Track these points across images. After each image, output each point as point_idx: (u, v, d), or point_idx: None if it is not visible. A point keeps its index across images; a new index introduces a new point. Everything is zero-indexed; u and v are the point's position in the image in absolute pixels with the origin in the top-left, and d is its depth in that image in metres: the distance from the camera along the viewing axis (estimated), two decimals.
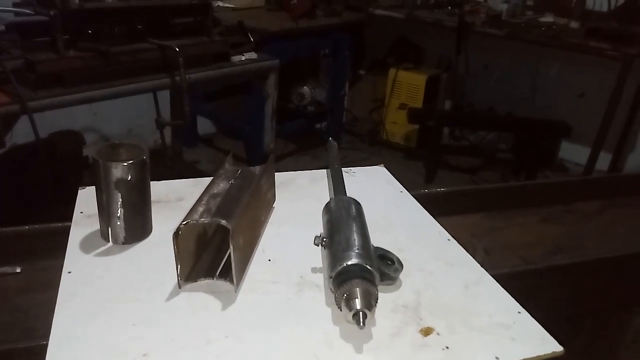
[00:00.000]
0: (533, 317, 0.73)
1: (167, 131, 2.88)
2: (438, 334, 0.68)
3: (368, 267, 0.70)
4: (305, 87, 3.48)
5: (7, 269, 0.88)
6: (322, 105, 3.59)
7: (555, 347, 0.67)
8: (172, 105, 2.75)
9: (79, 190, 0.93)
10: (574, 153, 3.49)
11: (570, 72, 3.51)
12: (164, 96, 2.79)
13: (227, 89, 3.34)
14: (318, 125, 3.75)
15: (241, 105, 3.26)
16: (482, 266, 0.83)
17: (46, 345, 0.62)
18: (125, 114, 3.08)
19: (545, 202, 1.20)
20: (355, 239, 0.75)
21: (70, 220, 0.87)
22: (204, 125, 3.67)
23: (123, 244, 0.81)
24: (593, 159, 3.17)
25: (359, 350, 0.64)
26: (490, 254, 1.02)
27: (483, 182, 3.35)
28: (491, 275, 0.81)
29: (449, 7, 3.57)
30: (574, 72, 3.48)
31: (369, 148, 3.76)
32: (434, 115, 3.51)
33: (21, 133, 1.93)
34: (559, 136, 3.33)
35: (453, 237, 0.92)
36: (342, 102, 3.70)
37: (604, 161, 3.23)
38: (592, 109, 3.31)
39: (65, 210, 0.90)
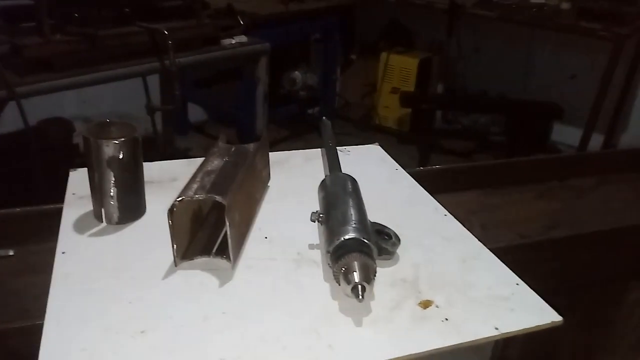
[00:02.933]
0: (534, 288, 0.73)
1: (158, 118, 2.85)
2: (437, 306, 0.68)
3: (366, 240, 0.69)
4: (296, 71, 3.45)
5: (0, 252, 0.86)
6: (314, 90, 3.57)
7: (554, 317, 0.67)
8: (162, 90, 2.72)
9: (70, 172, 0.92)
10: (566, 135, 3.50)
11: (562, 53, 3.50)
12: (154, 81, 2.76)
13: (218, 75, 3.31)
14: (310, 111, 3.73)
15: (232, 91, 3.22)
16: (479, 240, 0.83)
17: (41, 325, 0.61)
18: (115, 100, 3.04)
19: (541, 178, 1.20)
20: (352, 213, 0.74)
21: (62, 202, 0.86)
22: (195, 113, 3.64)
23: (117, 223, 0.79)
24: (585, 140, 3.18)
25: (358, 323, 0.64)
26: (487, 229, 1.02)
27: None
28: (489, 249, 0.81)
29: None
30: (566, 53, 3.48)
31: (362, 133, 3.75)
32: (427, 98, 3.51)
33: (9, 120, 1.90)
34: (551, 118, 3.33)
35: (449, 213, 0.91)
36: (334, 87, 3.69)
37: (596, 142, 3.24)
38: (584, 90, 3.32)
39: (56, 198, 0.88)
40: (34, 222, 0.89)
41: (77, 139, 2.50)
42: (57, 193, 0.88)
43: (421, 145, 3.39)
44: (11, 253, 0.87)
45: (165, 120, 3.07)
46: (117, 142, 0.74)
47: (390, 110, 3.71)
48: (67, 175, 0.91)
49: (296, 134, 3.59)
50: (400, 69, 3.62)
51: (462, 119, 3.73)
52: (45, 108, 2.53)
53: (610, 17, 2.88)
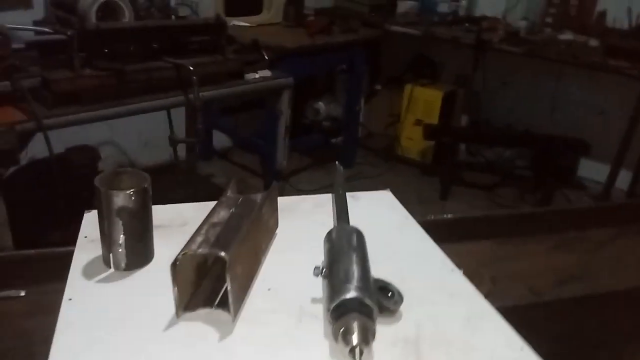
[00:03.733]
0: (538, 351, 0.71)
1: (182, 146, 2.91)
2: None
3: (366, 301, 0.69)
4: (320, 102, 3.49)
5: (11, 293, 0.89)
6: (338, 120, 3.59)
7: None
8: (187, 120, 2.78)
9: (85, 214, 0.94)
10: (593, 171, 3.44)
11: (590, 90, 3.46)
12: (180, 111, 2.82)
13: (243, 104, 3.38)
14: (333, 140, 3.75)
15: (257, 120, 3.28)
16: (487, 297, 0.82)
17: None
18: (142, 127, 3.11)
19: (557, 229, 1.18)
20: (355, 270, 0.74)
21: (75, 243, 0.88)
22: (220, 139, 3.70)
23: (124, 270, 0.81)
24: (613, 176, 3.12)
25: None
26: (497, 283, 1.01)
27: (500, 199, 3.31)
28: (496, 308, 0.80)
29: (467, 24, 3.56)
30: (594, 89, 3.43)
31: (384, 163, 3.75)
32: (450, 131, 3.49)
33: (42, 146, 1.97)
34: (577, 154, 3.28)
35: (459, 265, 0.90)
36: (357, 118, 3.70)
37: (624, 179, 3.17)
38: (612, 127, 3.26)
39: (76, 227, 0.91)
40: (46, 263, 0.92)
41: (102, 167, 2.56)
42: (77, 223, 0.91)
43: (443, 178, 3.37)
44: (22, 294, 0.89)
45: (189, 146, 3.13)
46: (127, 192, 0.76)
47: (413, 142, 3.70)
48: (91, 203, 0.93)
49: (319, 162, 3.61)
50: (424, 101, 3.62)
51: (486, 152, 3.69)
52: (73, 134, 2.61)
53: (639, 55, 2.84)
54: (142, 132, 3.21)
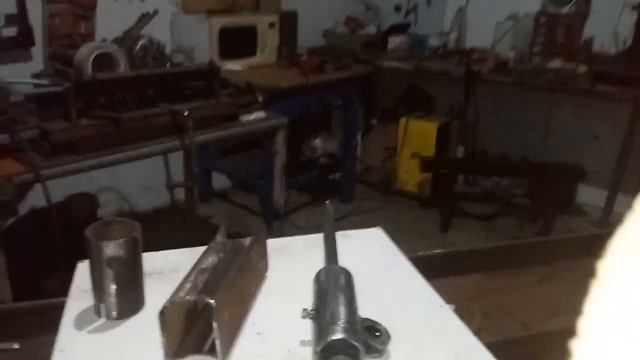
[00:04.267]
0: None
1: (181, 189, 2.94)
2: None
3: (353, 342, 0.70)
4: (316, 139, 3.54)
5: (5, 346, 0.90)
6: (334, 157, 3.63)
7: None
8: (185, 164, 2.82)
9: (78, 264, 0.96)
10: (592, 196, 3.45)
11: (582, 116, 3.50)
12: (178, 155, 2.87)
13: (241, 144, 3.42)
14: (331, 176, 3.78)
15: (254, 159, 3.32)
16: (478, 332, 0.82)
17: None
18: (141, 172, 3.15)
19: (547, 260, 1.19)
20: (341, 311, 0.75)
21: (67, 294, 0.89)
22: (219, 180, 3.73)
23: (115, 319, 0.82)
24: (611, 202, 3.13)
25: None
26: (488, 317, 1.01)
27: (500, 229, 3.31)
28: (487, 343, 0.80)
29: (457, 57, 3.63)
30: (585, 115, 3.48)
31: (383, 197, 3.77)
32: (446, 163, 3.52)
33: (39, 196, 2.00)
34: (573, 180, 3.30)
35: (449, 300, 0.91)
36: (354, 153, 3.74)
37: (623, 203, 3.18)
38: (607, 152, 3.29)
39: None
40: (40, 315, 0.93)
41: (105, 212, 2.59)
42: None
43: (442, 210, 3.38)
44: (16, 346, 0.90)
45: (188, 189, 3.16)
46: (116, 242, 0.78)
47: (410, 175, 3.73)
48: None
49: (317, 199, 3.63)
50: (419, 133, 3.66)
51: (483, 181, 3.72)
52: (72, 182, 2.65)
53: (627, 79, 2.88)
54: (141, 177, 3.24)
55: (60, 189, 2.14)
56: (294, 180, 3.13)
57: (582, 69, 3.23)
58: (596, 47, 3.45)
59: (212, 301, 0.70)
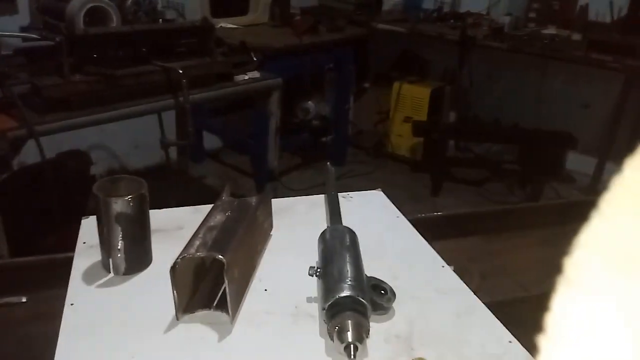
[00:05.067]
0: (526, 344, 0.74)
1: (174, 148, 2.92)
2: None
3: (360, 299, 0.71)
4: (309, 101, 3.51)
5: (12, 299, 0.90)
6: (327, 119, 3.61)
7: None
8: (178, 123, 2.79)
9: (82, 220, 0.96)
10: (581, 163, 3.49)
11: (574, 83, 3.51)
12: (170, 114, 2.83)
13: (233, 105, 3.38)
14: (323, 139, 3.77)
15: (247, 120, 3.29)
16: (477, 293, 0.85)
17: None
18: (132, 131, 3.12)
19: (544, 224, 1.21)
20: (348, 270, 0.77)
21: (74, 249, 0.90)
22: (211, 140, 3.71)
23: (124, 274, 0.83)
24: (600, 169, 3.18)
25: None
26: (487, 278, 1.04)
27: (489, 194, 3.35)
28: (485, 303, 0.83)
29: (452, 21, 3.59)
30: (578, 83, 3.48)
31: (375, 161, 3.78)
32: (439, 128, 3.53)
33: (30, 153, 1.97)
34: (564, 147, 3.33)
35: (449, 261, 0.93)
36: (346, 116, 3.73)
37: (612, 171, 3.22)
38: (598, 120, 3.32)
39: (70, 231, 0.93)
40: (46, 270, 0.93)
41: (96, 170, 2.57)
42: (74, 226, 0.93)
43: (433, 174, 3.40)
44: (24, 300, 0.91)
45: (180, 149, 3.14)
46: (125, 198, 0.78)
47: (403, 139, 3.74)
48: (84, 207, 0.95)
49: (309, 161, 3.63)
50: (412, 98, 3.65)
51: (475, 147, 3.74)
52: (63, 138, 2.62)
53: (621, 48, 2.89)
54: (132, 135, 3.21)
55: (49, 147, 2.11)
56: (285, 142, 3.12)
57: (577, 36, 3.21)
58: (591, 15, 3.43)
59: (223, 258, 0.71)
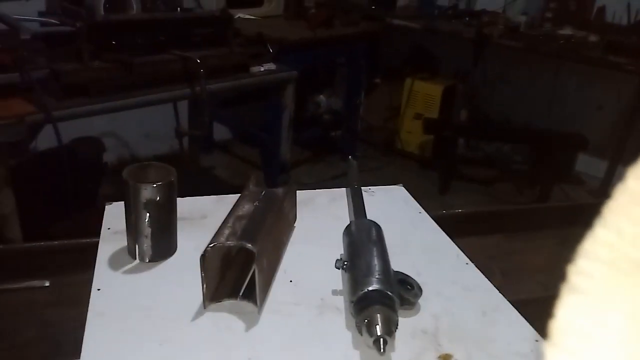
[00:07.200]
0: None
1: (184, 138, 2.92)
2: None
3: (389, 293, 0.71)
4: (321, 95, 3.50)
5: (36, 283, 0.90)
6: (338, 114, 3.61)
7: None
8: (190, 112, 2.79)
9: (106, 206, 0.96)
10: (591, 166, 3.48)
11: (589, 85, 3.49)
12: (182, 104, 2.83)
13: (244, 96, 3.38)
14: (333, 133, 3.77)
15: (257, 113, 3.28)
16: (499, 291, 0.84)
17: None
18: (143, 119, 3.12)
19: (565, 224, 1.20)
20: (376, 263, 0.77)
21: (94, 234, 0.90)
22: (220, 131, 3.70)
23: (150, 261, 0.83)
24: (611, 172, 3.16)
25: None
26: (508, 277, 1.03)
27: (498, 194, 3.35)
28: (509, 301, 0.82)
29: (467, 18, 3.57)
30: (592, 84, 3.46)
31: (384, 157, 3.77)
32: (450, 126, 3.52)
33: (45, 138, 1.97)
34: (575, 149, 3.32)
35: (470, 259, 0.93)
36: (357, 111, 3.72)
37: (622, 174, 3.21)
38: (610, 122, 3.30)
39: (82, 216, 0.93)
40: (68, 254, 0.93)
41: (107, 158, 2.57)
42: (88, 211, 0.93)
43: (442, 172, 3.39)
44: (47, 284, 0.91)
45: (191, 139, 3.14)
46: (155, 185, 0.78)
47: (413, 136, 3.73)
48: (95, 194, 0.95)
49: (319, 156, 3.63)
50: (424, 95, 3.64)
51: (485, 146, 3.72)
52: (75, 124, 2.62)
53: (638, 51, 2.87)
54: (143, 123, 3.21)
55: (61, 133, 2.11)
56: (295, 135, 3.11)
57: (593, 38, 3.19)
58: (608, 17, 3.41)
59: (253, 248, 0.70)
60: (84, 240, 0.94)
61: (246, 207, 0.82)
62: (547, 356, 0.25)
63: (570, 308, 0.26)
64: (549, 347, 0.26)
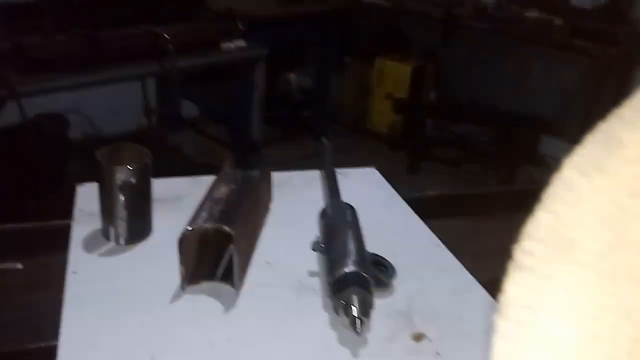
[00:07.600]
0: None
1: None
2: (430, 340, 0.72)
3: (365, 274, 0.73)
4: (291, 74, 3.48)
5: (7, 265, 0.89)
6: (308, 93, 3.59)
7: None
8: (158, 89, 2.73)
9: (78, 188, 0.94)
10: (555, 148, 3.57)
11: (554, 68, 3.56)
12: (150, 81, 2.77)
13: (213, 73, 3.33)
14: (304, 113, 3.76)
15: (227, 90, 3.24)
16: (470, 272, 0.87)
17: (55, 347, 0.64)
18: (109, 95, 3.04)
19: (531, 206, 1.24)
20: (352, 245, 0.78)
21: (65, 215, 0.88)
22: (188, 109, 3.64)
23: (125, 244, 0.82)
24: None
25: (356, 355, 0.68)
26: (477, 258, 1.07)
27: (465, 175, 3.41)
28: (478, 281, 0.85)
29: None
30: (558, 67, 3.54)
31: (354, 136, 3.79)
32: (418, 106, 3.55)
33: (3, 115, 1.91)
34: (538, 131, 3.40)
35: (442, 240, 0.96)
36: (328, 90, 3.71)
37: None
38: (574, 106, 3.39)
39: (52, 198, 0.91)
40: (40, 236, 0.92)
41: (72, 134, 2.50)
42: (51, 189, 0.91)
43: (411, 152, 3.44)
44: (19, 266, 0.90)
45: (160, 116, 3.08)
46: (130, 168, 0.77)
47: (383, 115, 3.75)
48: (62, 171, 0.94)
49: (289, 135, 3.62)
50: (394, 75, 3.65)
51: (453, 127, 3.78)
52: (40, 101, 2.54)
53: (602, 36, 2.94)
54: (108, 100, 3.13)
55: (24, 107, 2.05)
56: (265, 114, 3.09)
57: (558, 21, 3.25)
58: (573, 1, 3.47)
59: (231, 230, 0.71)
60: (55, 222, 0.92)
61: (222, 190, 0.82)
62: (496, 327, 0.28)
63: (515, 283, 0.29)
64: (498, 318, 0.28)
